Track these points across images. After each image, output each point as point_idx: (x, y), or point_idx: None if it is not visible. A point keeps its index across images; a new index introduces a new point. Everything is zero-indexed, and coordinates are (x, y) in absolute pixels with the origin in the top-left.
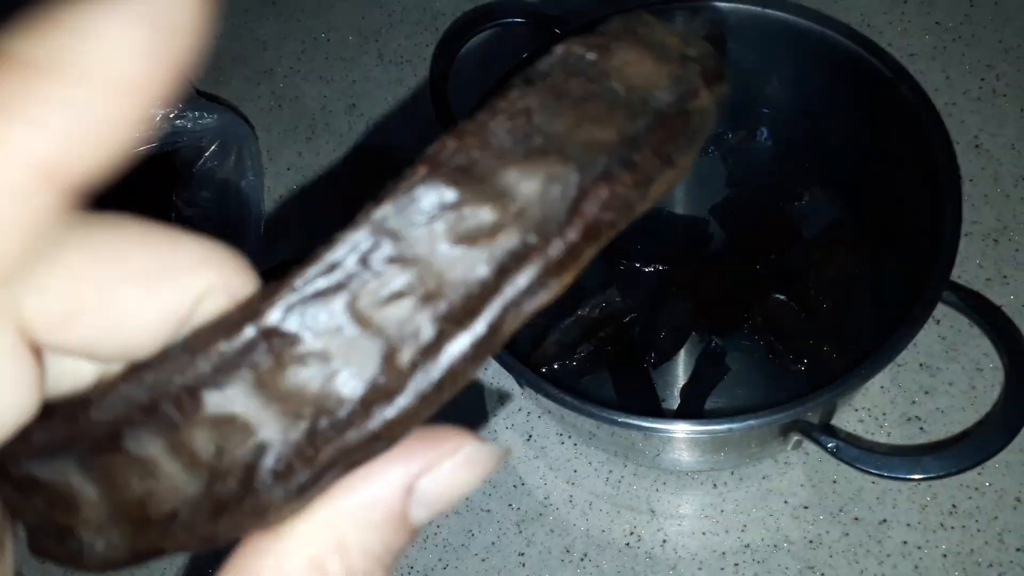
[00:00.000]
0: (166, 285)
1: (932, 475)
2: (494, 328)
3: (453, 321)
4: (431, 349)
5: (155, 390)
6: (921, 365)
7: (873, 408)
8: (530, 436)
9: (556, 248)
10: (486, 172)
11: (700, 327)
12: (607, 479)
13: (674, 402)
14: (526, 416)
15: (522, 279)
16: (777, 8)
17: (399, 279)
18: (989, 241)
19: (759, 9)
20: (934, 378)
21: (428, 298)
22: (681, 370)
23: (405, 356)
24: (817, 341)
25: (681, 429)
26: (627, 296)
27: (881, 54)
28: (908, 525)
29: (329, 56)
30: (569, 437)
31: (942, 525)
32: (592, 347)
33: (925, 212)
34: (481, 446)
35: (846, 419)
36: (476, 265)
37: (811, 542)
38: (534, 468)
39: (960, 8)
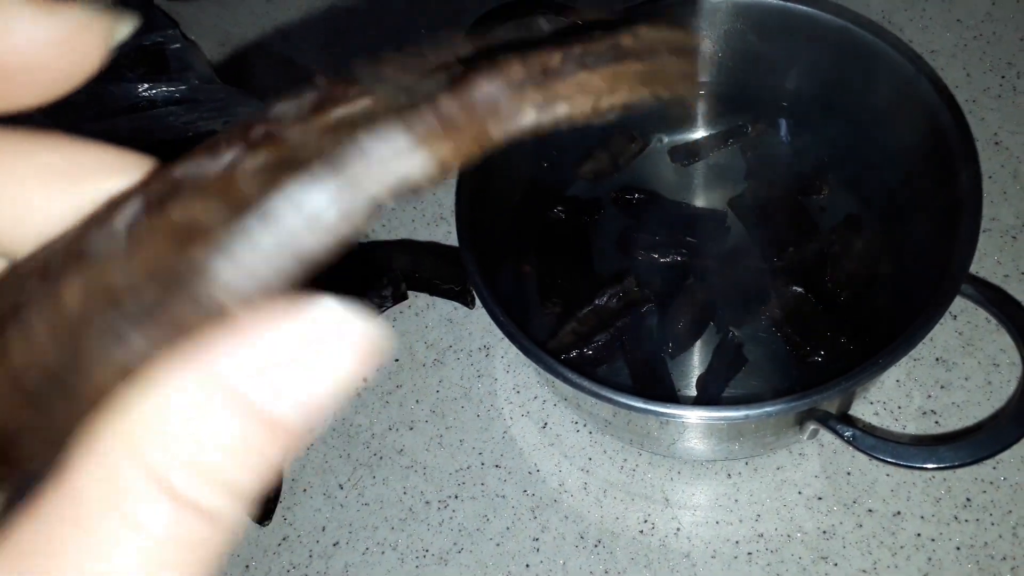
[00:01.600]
0: (74, 184)
1: (947, 465)
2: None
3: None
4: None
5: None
6: (937, 359)
7: (889, 401)
8: (545, 424)
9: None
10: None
11: (718, 318)
12: (622, 467)
13: (691, 392)
14: (541, 404)
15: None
16: (799, 1)
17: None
18: (1008, 238)
19: (780, 2)
20: (950, 372)
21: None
22: (698, 361)
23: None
24: (834, 333)
25: (698, 416)
26: (645, 286)
27: (902, 49)
28: (922, 518)
29: (351, 48)
30: (584, 425)
31: (956, 518)
32: (609, 336)
33: (944, 207)
34: (341, 316)
35: (862, 412)
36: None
37: (824, 533)
38: (549, 455)
39: (981, 6)
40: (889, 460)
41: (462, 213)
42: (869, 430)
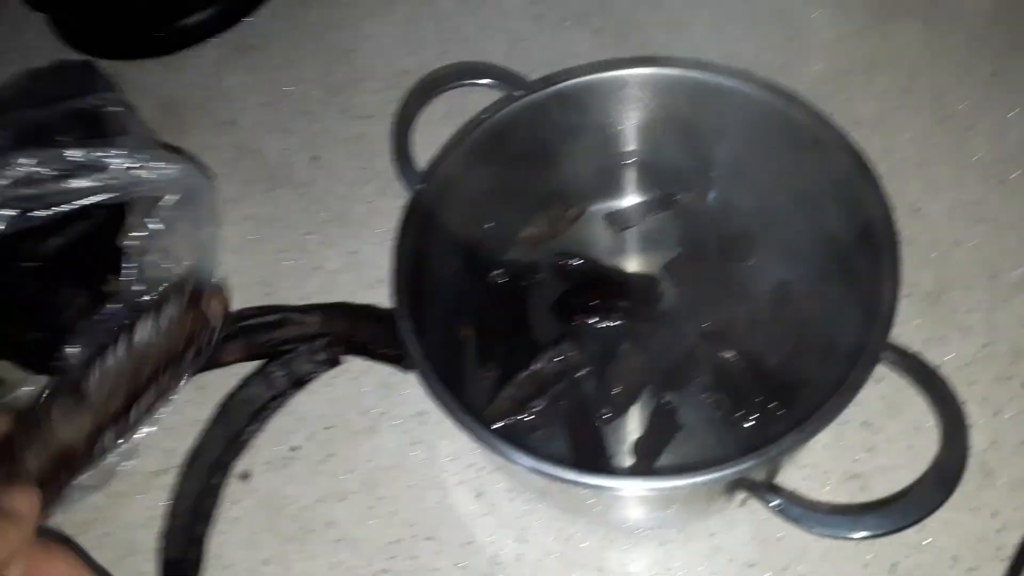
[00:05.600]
0: None
1: (872, 534)
2: None
3: None
4: None
5: None
6: (863, 423)
7: (817, 465)
8: (481, 493)
9: None
10: None
11: (653, 383)
12: (556, 536)
13: (626, 458)
14: (477, 472)
15: None
16: (727, 75)
17: None
18: (928, 302)
19: (708, 76)
20: (876, 436)
21: None
22: (634, 426)
23: None
24: (765, 398)
25: (626, 486)
26: (581, 351)
27: (824, 123)
28: None
29: (293, 109)
30: (520, 494)
31: None
32: (546, 402)
33: (866, 274)
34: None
35: (791, 476)
36: None
37: None
38: (484, 526)
39: (900, 80)
40: (816, 531)
41: (399, 276)
42: (796, 499)
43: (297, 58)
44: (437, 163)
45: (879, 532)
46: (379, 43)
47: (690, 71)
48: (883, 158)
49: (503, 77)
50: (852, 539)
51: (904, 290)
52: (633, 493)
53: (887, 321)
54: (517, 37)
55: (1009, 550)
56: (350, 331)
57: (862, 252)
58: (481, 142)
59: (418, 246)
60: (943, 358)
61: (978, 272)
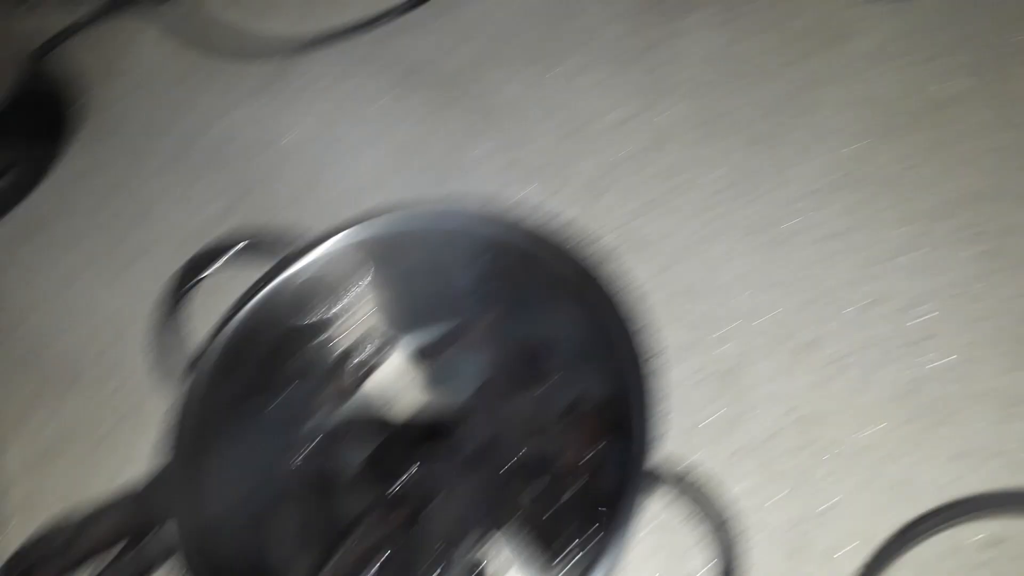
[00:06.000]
0: None
1: None
2: None
3: None
4: None
5: None
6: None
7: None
8: None
9: None
10: None
11: (470, 531)
12: None
13: None
14: None
15: None
16: (479, 223)
17: None
18: (726, 380)
19: (461, 227)
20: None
21: None
22: None
23: None
24: (568, 531)
25: None
26: (394, 516)
27: (566, 255)
28: None
29: (85, 289)
30: None
31: None
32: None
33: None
34: None
35: None
36: None
37: None
38: None
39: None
40: None
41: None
42: None
43: (86, 229)
44: (199, 361)
45: None
46: (170, 203)
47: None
48: (666, 241)
49: (267, 247)
50: None
51: (704, 368)
52: None
53: (642, 452)
54: (305, 186)
55: None
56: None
57: (616, 383)
58: (245, 323)
59: (193, 450)
60: (744, 439)
61: (771, 338)
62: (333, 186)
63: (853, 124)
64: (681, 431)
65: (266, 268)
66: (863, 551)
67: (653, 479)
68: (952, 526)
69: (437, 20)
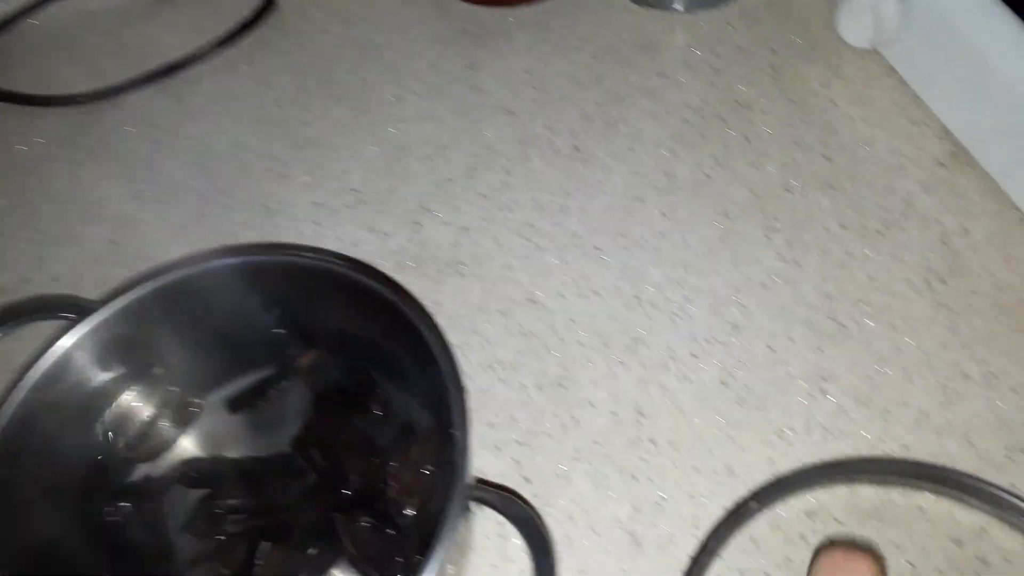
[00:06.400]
0: None
1: None
2: None
3: None
4: None
5: None
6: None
7: None
8: None
9: None
10: None
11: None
12: None
13: None
14: None
15: None
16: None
17: None
18: (559, 388)
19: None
20: None
21: None
22: None
23: None
24: (409, 552)
25: None
26: (224, 562)
27: (375, 280)
28: None
29: None
30: None
31: None
32: None
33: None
34: None
35: None
36: None
37: None
38: None
39: (498, 176)
40: None
41: None
42: None
43: None
44: None
45: None
46: None
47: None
48: (495, 257)
49: (72, 308)
50: None
51: (535, 381)
52: None
53: (460, 470)
54: (111, 241)
55: None
56: None
57: (439, 396)
58: (43, 379)
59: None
60: (579, 439)
61: (595, 344)
62: (141, 238)
63: (663, 131)
64: (507, 443)
65: (62, 327)
66: (694, 537)
67: (476, 498)
68: (775, 503)
69: (246, 62)
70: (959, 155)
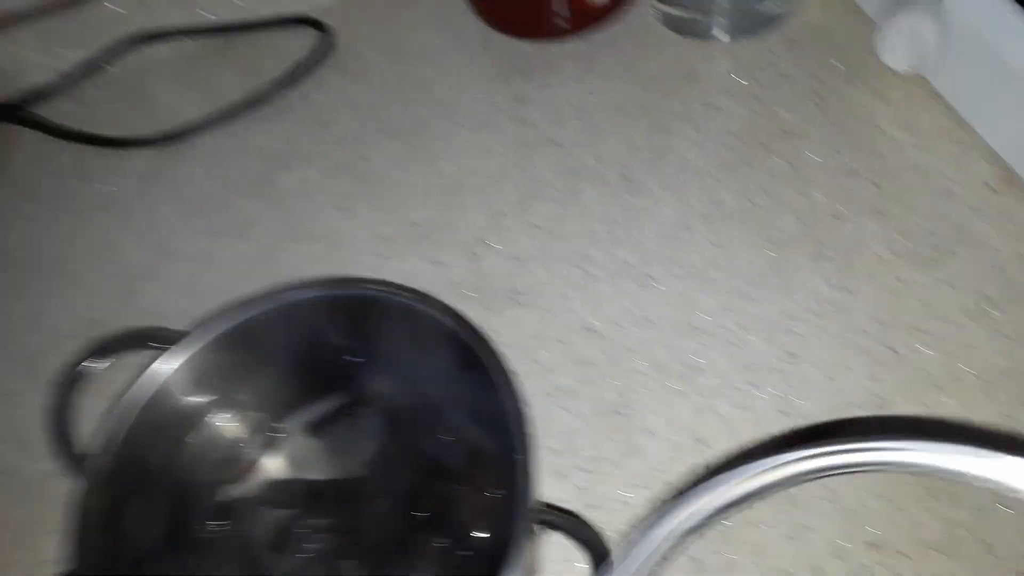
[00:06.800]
0: None
1: None
2: None
3: None
4: None
5: None
6: None
7: None
8: None
9: None
10: None
11: None
12: None
13: None
14: None
15: None
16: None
17: None
18: (617, 417)
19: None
20: None
21: None
22: None
23: None
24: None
25: None
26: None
27: (440, 311)
28: None
29: None
30: None
31: None
32: None
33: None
34: None
35: None
36: None
37: None
38: None
39: (551, 208)
40: None
41: None
42: None
43: None
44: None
45: None
46: (62, 300)
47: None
48: (548, 286)
49: (162, 339)
50: None
51: (594, 408)
52: None
53: (524, 491)
54: (191, 276)
55: None
56: None
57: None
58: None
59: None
60: (639, 465)
61: (649, 371)
62: (218, 273)
63: (709, 159)
64: (570, 470)
65: (153, 356)
66: (755, 565)
67: (542, 521)
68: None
69: (305, 101)
70: (1010, 179)
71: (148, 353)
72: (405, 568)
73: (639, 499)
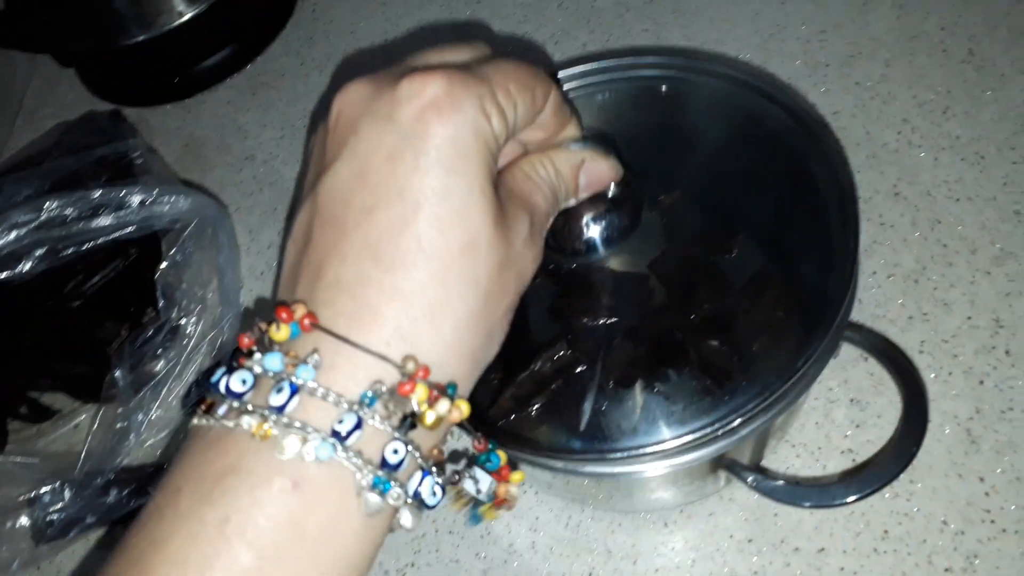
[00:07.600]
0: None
1: (836, 503)
2: None
3: None
4: None
5: None
6: (852, 400)
7: (809, 443)
8: None
9: None
10: None
11: (645, 373)
12: (567, 524)
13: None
14: None
15: None
16: (707, 71)
17: None
18: (910, 282)
19: (689, 74)
20: (864, 412)
21: None
22: (628, 413)
23: None
24: (749, 382)
25: (595, 470)
26: (576, 350)
27: (802, 111)
28: (844, 552)
29: (303, 140)
30: (531, 486)
31: (875, 550)
32: (546, 400)
33: (830, 259)
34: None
35: (784, 455)
36: None
37: (756, 573)
38: (499, 519)
39: (877, 69)
40: (789, 501)
41: None
42: (769, 475)
43: (304, 91)
44: None
45: (843, 501)
46: None
47: (668, 68)
48: (863, 146)
49: None
50: (832, 507)
51: (887, 271)
52: (604, 474)
53: (845, 304)
54: None
55: (996, 513)
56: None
57: (827, 236)
58: None
59: None
60: (927, 335)
61: (959, 248)
62: None
63: None
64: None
65: None
66: None
67: (850, 340)
68: None
69: None
70: None
71: None
72: (673, 357)
73: (921, 366)
